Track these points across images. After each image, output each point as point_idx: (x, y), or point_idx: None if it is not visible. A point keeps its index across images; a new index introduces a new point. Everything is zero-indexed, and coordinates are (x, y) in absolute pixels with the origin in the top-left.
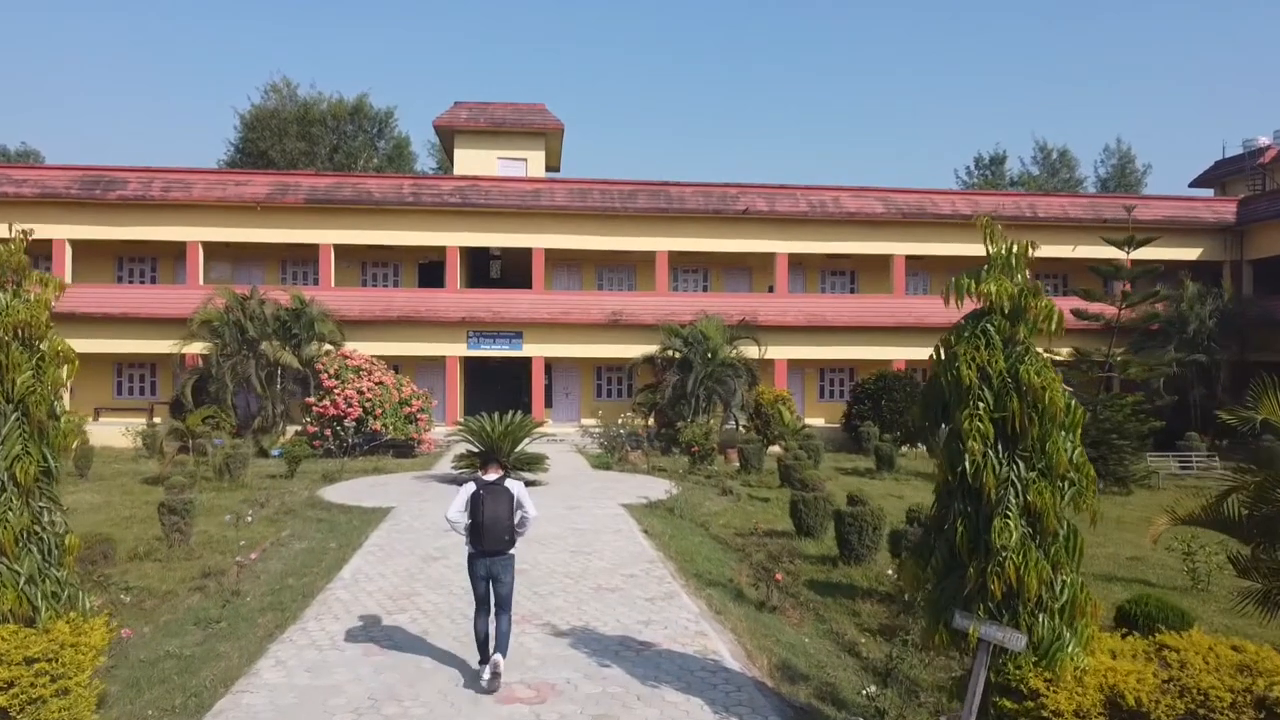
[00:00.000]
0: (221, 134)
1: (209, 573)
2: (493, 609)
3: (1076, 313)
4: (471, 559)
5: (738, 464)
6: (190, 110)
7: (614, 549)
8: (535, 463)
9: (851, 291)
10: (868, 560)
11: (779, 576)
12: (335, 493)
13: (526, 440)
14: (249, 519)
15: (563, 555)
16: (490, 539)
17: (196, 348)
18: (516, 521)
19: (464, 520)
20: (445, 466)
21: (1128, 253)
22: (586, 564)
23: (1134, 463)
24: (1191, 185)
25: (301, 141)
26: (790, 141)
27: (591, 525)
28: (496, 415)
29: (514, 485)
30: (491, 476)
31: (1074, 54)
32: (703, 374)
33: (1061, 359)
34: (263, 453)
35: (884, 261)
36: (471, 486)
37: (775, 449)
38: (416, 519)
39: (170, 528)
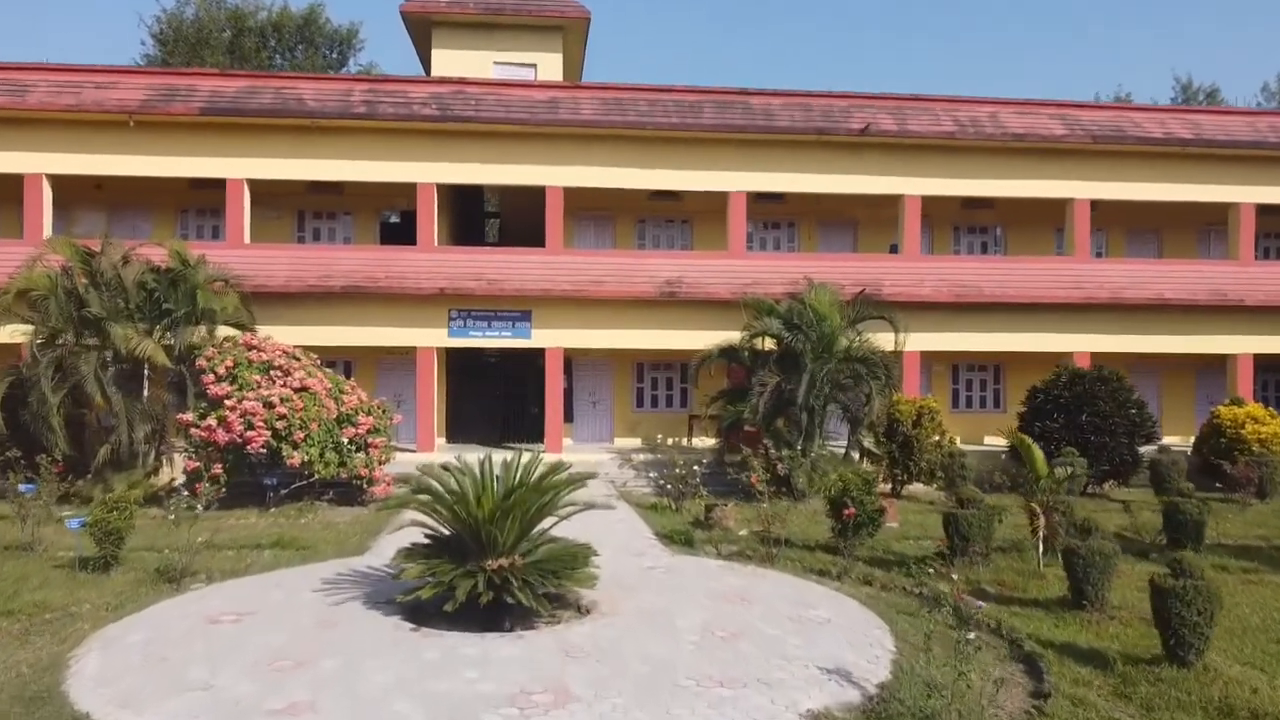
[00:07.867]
0: (125, 50)
1: None
2: None
3: None
4: None
5: (907, 526)
6: (78, 15)
7: None
8: (572, 566)
9: (998, 252)
10: None
11: None
12: (125, 649)
13: (553, 521)
14: None
15: None
16: None
17: (10, 333)
18: None
19: None
20: (388, 549)
21: None
22: None
23: None
24: None
25: (228, 57)
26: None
27: None
28: (488, 459)
29: None
30: None
31: None
32: (819, 374)
33: None
34: (110, 492)
35: (1044, 213)
36: None
37: (919, 488)
38: None
39: None
